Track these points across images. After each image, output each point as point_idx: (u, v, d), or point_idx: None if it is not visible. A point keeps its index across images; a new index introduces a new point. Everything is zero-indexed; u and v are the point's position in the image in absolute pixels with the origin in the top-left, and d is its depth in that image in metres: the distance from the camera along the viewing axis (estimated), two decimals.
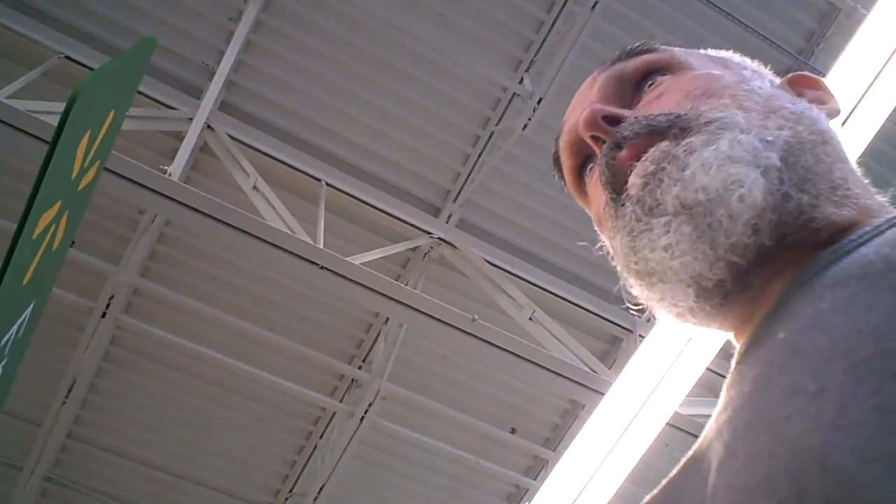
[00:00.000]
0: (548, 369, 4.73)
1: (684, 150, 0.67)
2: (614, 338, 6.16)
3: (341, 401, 6.26)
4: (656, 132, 0.71)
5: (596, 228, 0.86)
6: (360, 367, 6.19)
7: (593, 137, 0.77)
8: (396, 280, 5.81)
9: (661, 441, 3.93)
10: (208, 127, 5.24)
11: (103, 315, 5.61)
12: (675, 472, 0.69)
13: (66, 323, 5.68)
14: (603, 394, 4.75)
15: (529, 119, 5.22)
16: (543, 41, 5.41)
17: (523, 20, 5.41)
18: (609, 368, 5.55)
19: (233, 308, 5.94)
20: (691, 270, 0.66)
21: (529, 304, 5.26)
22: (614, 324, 6.01)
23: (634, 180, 0.70)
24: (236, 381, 6.19)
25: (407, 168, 5.75)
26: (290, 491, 6.58)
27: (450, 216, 5.75)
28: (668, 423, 3.67)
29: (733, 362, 0.72)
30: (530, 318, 5.13)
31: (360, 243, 5.57)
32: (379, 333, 6.06)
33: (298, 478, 6.56)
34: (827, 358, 0.52)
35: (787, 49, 5.46)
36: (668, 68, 0.82)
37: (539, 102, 5.21)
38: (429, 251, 5.75)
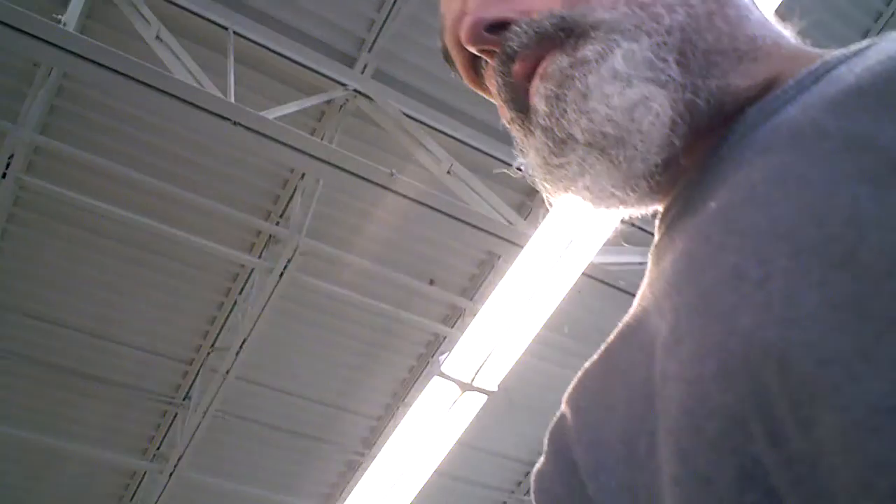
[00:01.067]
0: (465, 222, 4.79)
1: (581, 71, 0.64)
2: (530, 189, 6.23)
3: (259, 257, 6.24)
4: (546, 39, 0.67)
5: (502, 118, 0.82)
6: (277, 223, 6.14)
7: (484, 51, 0.73)
8: (312, 134, 5.70)
9: (575, 289, 4.08)
10: None
11: (3, 175, 5.36)
12: (612, 337, 0.70)
13: None
14: (520, 245, 4.87)
15: None
16: None
17: None
18: (525, 219, 5.66)
19: (142, 165, 5.74)
20: (613, 197, 0.67)
21: (448, 157, 5.26)
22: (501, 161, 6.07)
23: (538, 105, 0.68)
24: (150, 240, 6.08)
25: (319, 15, 5.50)
26: (212, 346, 6.63)
27: (365, 66, 5.60)
28: (582, 273, 3.80)
29: (659, 225, 0.72)
30: (448, 172, 5.14)
31: (272, 96, 5.39)
32: (295, 189, 5.98)
33: (219, 334, 6.61)
34: (767, 239, 0.51)
35: None
36: None
37: None
38: (344, 104, 5.62)
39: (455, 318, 6.79)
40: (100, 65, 4.17)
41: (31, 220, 5.94)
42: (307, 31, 5.52)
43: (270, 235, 6.19)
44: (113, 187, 5.79)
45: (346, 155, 4.59)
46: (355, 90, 5.55)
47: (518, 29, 0.68)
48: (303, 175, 5.84)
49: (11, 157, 5.36)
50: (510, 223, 4.95)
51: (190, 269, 6.34)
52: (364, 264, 6.25)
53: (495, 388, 4.53)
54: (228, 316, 6.54)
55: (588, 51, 0.64)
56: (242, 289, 6.43)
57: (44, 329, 6.43)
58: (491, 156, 5.93)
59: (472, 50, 0.74)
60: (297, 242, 5.80)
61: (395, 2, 5.46)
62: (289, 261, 5.84)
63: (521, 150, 0.77)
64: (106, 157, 5.63)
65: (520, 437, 7.20)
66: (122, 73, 4.22)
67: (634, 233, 4.66)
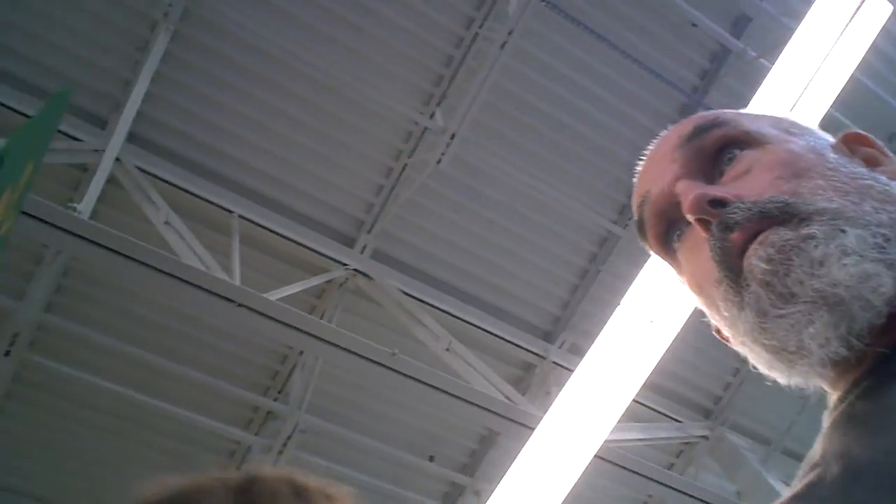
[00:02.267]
0: (466, 400, 4.81)
1: (811, 244, 0.76)
2: (528, 364, 6.30)
3: (257, 434, 6.19)
4: (766, 217, 0.80)
5: (689, 289, 0.94)
6: (275, 399, 6.14)
7: (699, 220, 0.85)
8: (312, 311, 5.82)
9: (588, 471, 4.05)
10: (116, 159, 5.14)
11: (7, 353, 5.40)
12: (800, 487, 0.76)
13: None
14: (519, 423, 4.87)
15: (443, 154, 5.31)
16: (453, 77, 5.53)
17: (433, 55, 5.52)
18: (523, 395, 5.69)
19: (142, 342, 5.81)
20: (830, 351, 0.75)
21: (446, 334, 5.35)
22: (528, 350, 6.15)
23: (757, 264, 0.79)
24: (147, 417, 6.04)
25: (319, 199, 5.76)
26: None
27: (364, 247, 5.79)
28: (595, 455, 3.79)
29: (845, 395, 0.81)
30: (447, 349, 5.21)
31: (275, 275, 5.54)
32: (295, 365, 6.03)
33: None
34: None
35: (682, 88, 5.75)
36: (743, 140, 0.91)
37: (452, 137, 5.31)
38: (344, 282, 5.77)
39: (455, 495, 6.65)
40: (111, 250, 4.33)
41: (30, 396, 5.92)
42: (309, 214, 5.75)
43: (269, 412, 6.17)
44: (114, 364, 5.82)
45: (348, 335, 4.67)
46: (355, 269, 5.71)
47: (742, 205, 0.82)
48: (301, 352, 5.90)
49: (16, 335, 5.42)
50: (510, 400, 4.98)
51: (186, 447, 6.26)
52: (363, 441, 6.20)
53: None
54: None
55: (815, 230, 0.77)
56: (239, 467, 6.32)
57: None
58: (488, 331, 6.03)
59: (691, 218, 0.86)
60: (296, 419, 5.78)
61: (392, 187, 5.73)
62: (288, 437, 5.79)
63: (718, 308, 0.86)
64: (109, 335, 5.70)
65: None
66: (131, 258, 4.36)
67: (636, 409, 4.65)
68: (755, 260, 0.79)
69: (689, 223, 0.89)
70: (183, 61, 5.28)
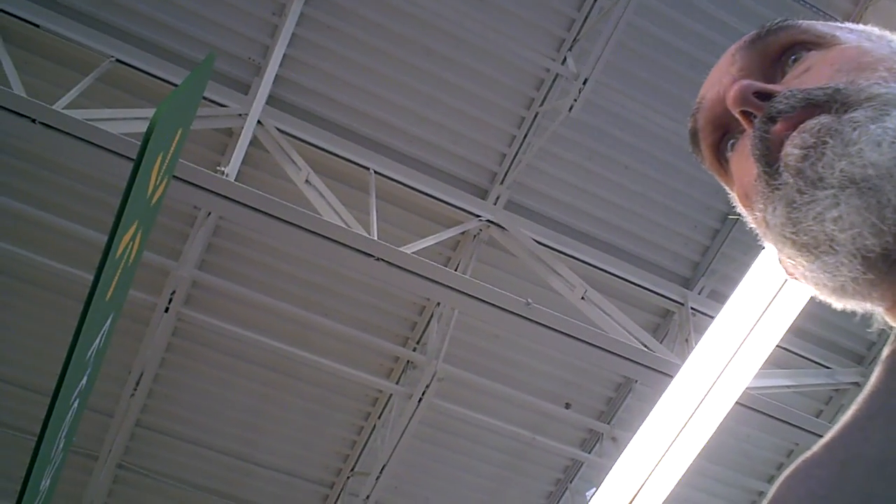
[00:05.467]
0: (602, 348, 4.80)
1: (850, 126, 0.69)
2: (665, 311, 6.19)
3: (398, 382, 6.40)
4: (813, 105, 0.73)
5: (738, 205, 0.89)
6: (414, 349, 6.31)
7: (743, 113, 0.79)
8: (447, 263, 5.91)
9: (730, 418, 3.98)
10: (258, 122, 5.34)
11: (166, 310, 5.78)
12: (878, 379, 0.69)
13: (133, 318, 5.87)
14: (657, 370, 4.82)
15: (575, 100, 5.23)
16: (585, 19, 5.40)
17: None
18: (661, 342, 5.60)
19: (288, 296, 6.08)
20: (859, 242, 0.67)
21: (581, 283, 5.32)
22: (666, 297, 6.03)
23: (792, 151, 0.72)
24: (294, 367, 6.35)
25: (453, 152, 5.80)
26: (352, 470, 6.76)
27: (498, 198, 5.81)
28: (737, 402, 3.71)
29: None
30: (582, 298, 5.18)
31: (411, 229, 5.66)
32: (432, 316, 6.16)
33: (359, 457, 6.73)
34: None
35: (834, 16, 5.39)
36: (812, 43, 0.83)
37: (584, 83, 5.22)
38: (478, 234, 5.82)
39: (593, 442, 6.67)
40: (258, 210, 4.54)
41: (188, 349, 6.34)
42: (442, 167, 5.81)
43: (408, 361, 6.36)
44: (262, 318, 6.13)
45: (483, 286, 4.73)
46: (489, 220, 5.75)
47: (788, 93, 0.76)
48: (438, 303, 6.02)
49: (173, 292, 5.79)
50: (647, 348, 4.92)
51: (331, 395, 6.56)
52: (500, 389, 6.29)
53: None
54: (368, 440, 6.68)
55: (858, 113, 0.70)
56: (381, 413, 6.57)
57: (193, 451, 6.74)
58: (624, 279, 5.95)
59: (735, 111, 0.80)
60: (434, 368, 5.93)
61: (525, 136, 5.69)
62: (427, 386, 5.96)
63: (759, 211, 0.79)
64: (256, 290, 6.00)
65: None
66: (276, 217, 4.56)
67: (780, 355, 4.48)
68: (790, 147, 0.72)
69: (743, 130, 0.82)
70: (318, 23, 5.40)
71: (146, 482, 6.77)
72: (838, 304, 0.76)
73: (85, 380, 2.80)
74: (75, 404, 2.81)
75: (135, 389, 6.16)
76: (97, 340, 2.70)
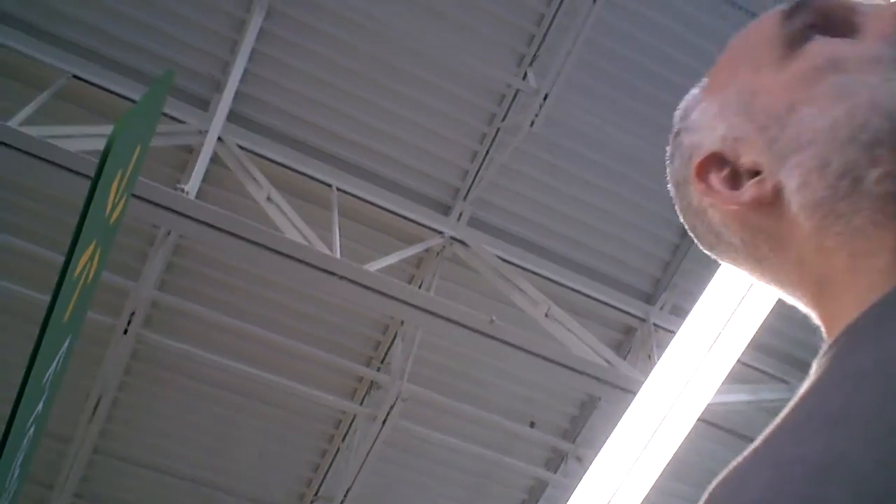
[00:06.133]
0: (565, 366, 4.79)
1: None
2: (628, 327, 6.22)
3: (361, 403, 6.33)
4: None
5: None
6: (378, 370, 6.25)
7: None
8: (410, 281, 5.88)
9: (693, 435, 3.99)
10: (219, 139, 5.28)
11: (125, 331, 5.67)
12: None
13: (91, 340, 5.73)
14: (620, 387, 4.82)
15: (536, 115, 5.25)
16: (545, 35, 5.44)
17: (524, 14, 5.44)
18: (624, 359, 5.62)
19: (250, 316, 6.00)
20: None
21: (544, 299, 5.32)
22: (628, 313, 6.06)
23: None
24: (257, 389, 6.26)
25: (415, 168, 5.79)
26: (316, 494, 6.66)
27: (460, 214, 5.80)
28: (699, 419, 3.72)
29: None
30: (546, 314, 5.18)
31: (374, 246, 5.62)
32: (396, 335, 6.12)
33: (323, 481, 6.64)
34: None
35: None
36: None
37: (545, 98, 5.24)
38: (441, 250, 5.80)
39: (558, 461, 6.66)
40: (218, 229, 4.47)
41: (148, 372, 6.21)
42: (404, 184, 5.79)
43: (372, 382, 6.30)
44: (223, 338, 6.04)
45: (447, 304, 4.71)
46: (452, 237, 5.73)
47: None
48: (402, 322, 5.98)
49: (133, 314, 5.67)
50: (610, 365, 4.93)
51: (294, 417, 6.47)
52: (465, 408, 6.26)
53: None
54: (332, 463, 6.59)
55: None
56: (345, 436, 6.50)
57: (154, 478, 6.59)
58: (587, 295, 5.97)
59: None
60: (398, 388, 5.88)
61: (486, 152, 5.70)
62: (391, 407, 5.90)
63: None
64: (217, 310, 5.90)
65: None
66: (237, 236, 4.50)
67: (741, 371, 4.48)
68: None
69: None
70: (278, 38, 5.37)
71: None
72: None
73: (41, 405, 2.71)
74: (31, 431, 2.71)
75: (93, 414, 6.01)
76: (54, 364, 2.61)
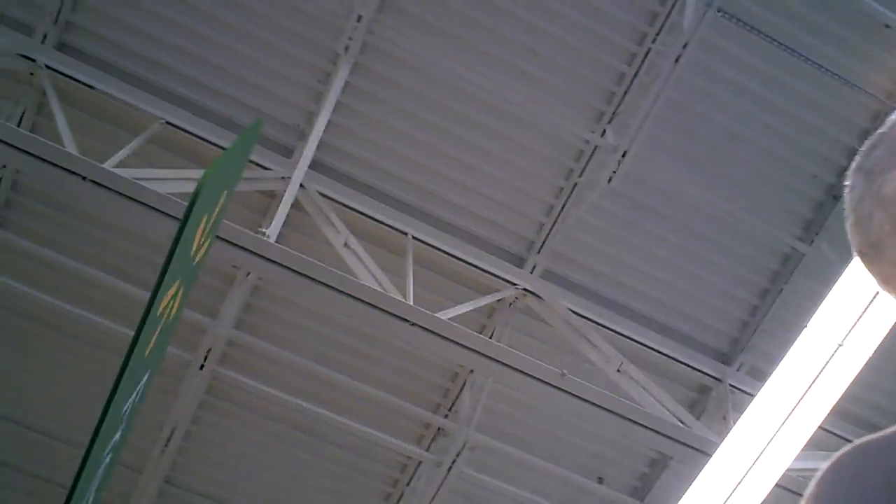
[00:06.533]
0: (637, 423, 4.71)
1: None
2: (703, 387, 6.08)
3: (427, 449, 6.32)
4: None
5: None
6: (445, 416, 6.25)
7: None
8: (482, 330, 5.89)
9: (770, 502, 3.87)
10: (301, 186, 5.43)
11: (201, 367, 5.82)
12: None
13: (167, 374, 5.90)
14: (693, 447, 4.71)
15: (614, 172, 5.26)
16: (625, 93, 5.46)
17: (604, 72, 5.48)
18: (698, 419, 5.49)
19: (322, 358, 6.09)
20: None
21: (617, 354, 5.26)
22: (704, 373, 5.94)
23: None
24: (325, 429, 6.32)
25: (491, 220, 5.84)
26: None
27: (534, 267, 5.81)
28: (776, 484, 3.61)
29: None
30: (618, 370, 5.12)
31: (447, 295, 5.66)
32: (465, 383, 6.12)
33: None
34: None
35: (874, 94, 5.40)
36: None
37: (624, 155, 5.25)
38: (514, 302, 5.80)
39: None
40: (295, 271, 4.58)
41: (221, 407, 6.34)
42: (480, 235, 5.84)
43: (439, 428, 6.29)
44: (295, 379, 6.14)
45: (518, 355, 4.70)
46: (525, 289, 5.74)
47: None
48: (471, 370, 5.98)
49: (209, 351, 5.83)
50: (685, 425, 4.83)
51: (361, 459, 6.49)
52: (532, 460, 6.19)
53: None
54: None
55: None
56: (410, 481, 6.49)
57: None
58: (662, 353, 5.88)
59: None
60: (465, 436, 5.86)
61: (563, 206, 5.71)
62: (457, 454, 5.88)
63: None
64: (291, 351, 6.02)
65: None
66: (313, 279, 4.60)
67: (820, 436, 4.31)
68: None
69: None
70: (363, 91, 5.52)
71: None
72: None
73: (119, 435, 2.81)
74: (108, 458, 2.81)
75: (165, 446, 6.16)
76: (133, 396, 2.71)
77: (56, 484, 6.22)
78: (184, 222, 2.31)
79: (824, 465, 0.72)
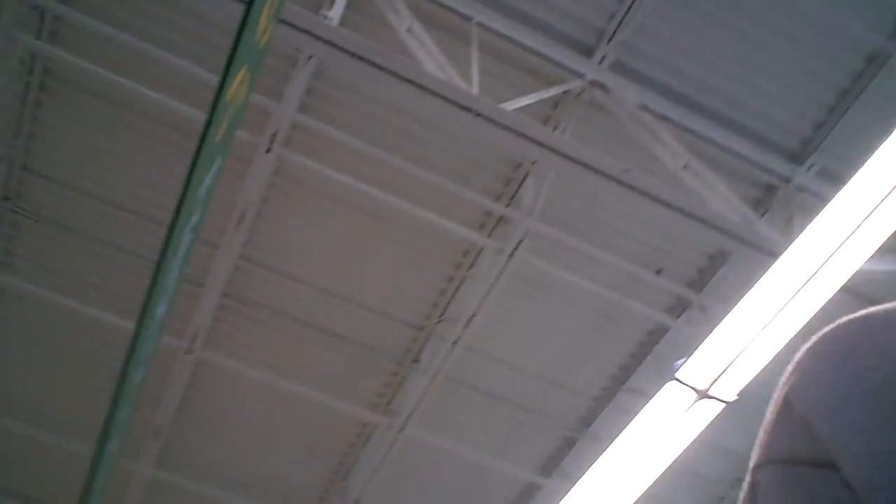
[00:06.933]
0: (702, 220, 4.72)
1: None
2: (769, 186, 5.99)
3: (489, 236, 6.47)
4: None
5: None
6: (507, 205, 6.33)
7: None
8: (546, 122, 5.81)
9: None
10: None
11: (268, 150, 5.92)
12: None
13: (236, 156, 6.02)
14: (755, 246, 4.73)
15: None
16: None
17: None
18: (762, 217, 5.47)
19: (386, 144, 6.12)
20: None
21: (683, 151, 5.18)
22: (771, 172, 5.83)
23: None
24: (389, 213, 6.48)
25: (560, 7, 5.58)
26: (441, 316, 6.98)
27: (603, 57, 5.61)
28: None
29: None
30: (684, 167, 5.06)
31: (512, 85, 5.55)
32: (528, 173, 6.13)
33: (448, 305, 6.94)
34: None
35: None
36: None
37: None
38: (580, 94, 5.67)
39: (681, 308, 6.69)
40: (355, 56, 4.52)
41: (288, 188, 6.52)
42: (548, 22, 5.61)
43: (501, 216, 6.40)
44: (359, 163, 6.22)
45: (583, 149, 4.67)
46: (592, 80, 5.58)
47: None
48: (534, 161, 5.97)
49: (275, 134, 5.91)
50: (748, 223, 4.82)
51: (424, 242, 6.70)
52: (591, 250, 6.30)
53: (734, 398, 4.40)
54: (458, 289, 6.85)
55: None
56: (472, 265, 6.70)
57: (291, 286, 7.05)
58: (729, 150, 5.76)
59: None
60: (527, 225, 5.96)
61: None
62: (519, 242, 6.01)
63: None
64: (355, 135, 6.06)
65: (749, 437, 6.99)
66: (375, 65, 4.54)
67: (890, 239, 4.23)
68: None
69: None
70: None
71: (250, 312, 7.17)
72: None
73: (197, 216, 2.94)
74: (188, 238, 2.96)
75: (238, 225, 6.41)
76: (208, 179, 2.80)
77: (143, 258, 6.59)
78: (248, 6, 2.27)
79: (818, 335, 0.67)
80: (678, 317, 6.68)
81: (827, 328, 0.66)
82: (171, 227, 2.59)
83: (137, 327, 2.69)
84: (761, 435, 0.67)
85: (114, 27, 5.63)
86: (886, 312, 0.63)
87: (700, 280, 6.55)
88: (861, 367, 0.60)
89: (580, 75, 5.57)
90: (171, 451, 7.99)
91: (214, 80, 5.43)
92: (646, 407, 4.65)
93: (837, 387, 0.60)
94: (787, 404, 0.65)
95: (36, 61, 5.95)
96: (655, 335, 6.90)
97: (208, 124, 2.29)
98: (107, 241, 6.86)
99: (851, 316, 0.65)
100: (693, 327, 6.19)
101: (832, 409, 0.60)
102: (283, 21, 4.33)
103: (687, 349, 4.50)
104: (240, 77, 2.57)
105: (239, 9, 2.54)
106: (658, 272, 6.45)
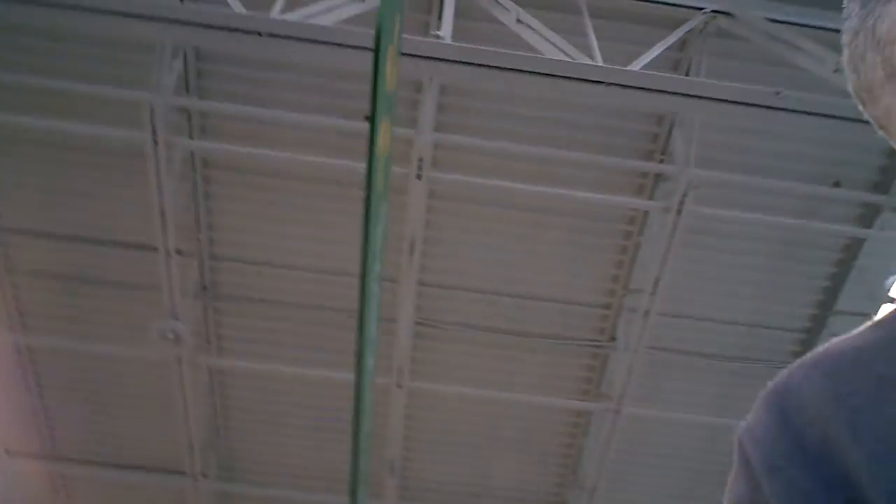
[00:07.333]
0: (865, 121, 4.44)
1: None
2: None
3: (651, 198, 6.36)
4: None
5: None
6: (661, 161, 6.20)
7: None
8: (676, 67, 5.66)
9: None
10: None
11: (418, 177, 6.10)
12: None
13: (393, 191, 6.23)
14: None
15: None
16: None
17: None
18: None
19: (525, 137, 6.15)
20: None
21: (830, 54, 4.89)
22: None
23: None
24: (548, 204, 6.49)
25: None
26: (625, 288, 6.92)
27: None
28: None
29: None
30: (835, 70, 4.78)
31: (632, 40, 5.44)
32: (673, 123, 5.99)
33: (629, 275, 6.86)
34: None
35: None
36: None
37: None
38: (705, 27, 5.49)
39: (871, 216, 6.30)
40: (480, 65, 4.59)
41: (447, 207, 6.66)
42: None
43: (658, 174, 6.28)
44: (506, 164, 6.28)
45: (723, 86, 4.52)
46: (713, 10, 5.39)
47: None
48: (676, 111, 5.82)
49: (420, 159, 6.08)
50: None
51: (588, 223, 6.67)
52: (760, 182, 6.06)
53: None
54: (634, 259, 6.76)
55: None
56: (641, 231, 6.61)
57: (473, 299, 7.16)
58: None
59: None
60: (687, 176, 5.81)
61: None
62: (683, 195, 5.87)
63: None
64: (494, 138, 6.12)
65: None
66: (497, 67, 4.59)
67: None
68: None
69: None
70: None
71: (442, 334, 7.37)
72: None
73: (379, 265, 3.10)
74: (376, 288, 3.13)
75: (410, 255, 6.63)
76: (380, 228, 2.95)
77: (335, 310, 6.92)
78: (375, 61, 2.39)
79: (772, 383, 0.74)
80: (870, 225, 6.28)
81: (779, 377, 0.74)
82: (362, 283, 2.75)
83: (357, 383, 2.86)
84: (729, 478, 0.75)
85: (254, 105, 5.99)
86: (819, 358, 0.72)
87: (884, 181, 6.15)
88: (804, 422, 0.66)
89: (699, 9, 5.39)
90: (408, 482, 8.33)
91: (349, 125, 5.74)
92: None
93: (780, 445, 0.67)
94: (741, 448, 0.72)
95: (195, 158, 6.42)
96: (852, 250, 6.53)
97: (370, 181, 2.43)
98: (292, 303, 7.26)
99: (800, 360, 0.73)
100: (890, 232, 5.82)
101: (775, 469, 0.67)
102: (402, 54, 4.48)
103: (890, 255, 4.26)
104: (384, 127, 2.70)
105: (362, 56, 2.67)
106: (836, 184, 6.11)
